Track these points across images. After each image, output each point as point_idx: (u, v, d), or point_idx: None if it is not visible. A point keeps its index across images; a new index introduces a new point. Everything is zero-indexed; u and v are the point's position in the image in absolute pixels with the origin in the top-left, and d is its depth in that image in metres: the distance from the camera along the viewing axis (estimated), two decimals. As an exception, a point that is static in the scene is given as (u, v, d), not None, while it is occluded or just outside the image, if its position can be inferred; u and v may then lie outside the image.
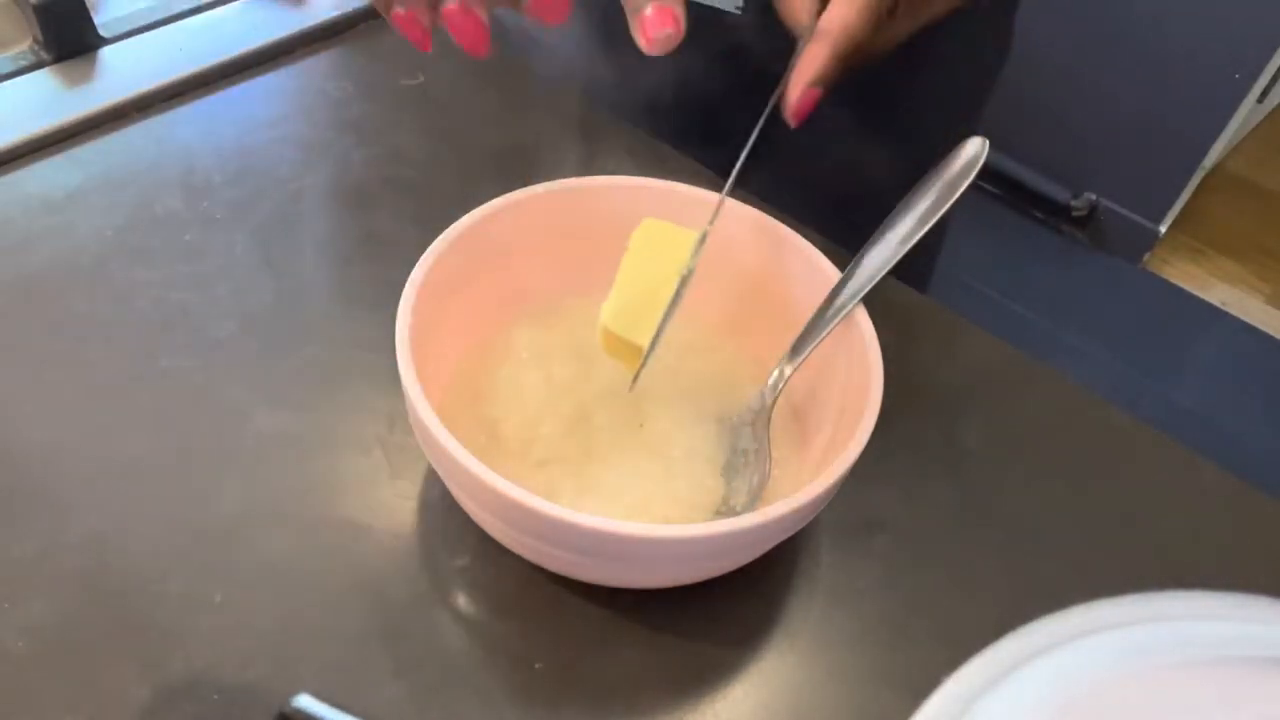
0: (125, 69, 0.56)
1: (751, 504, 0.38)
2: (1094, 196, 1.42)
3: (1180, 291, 1.41)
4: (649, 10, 0.33)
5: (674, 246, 0.37)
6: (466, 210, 0.39)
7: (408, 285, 0.36)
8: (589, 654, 0.36)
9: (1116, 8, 1.29)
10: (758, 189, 0.45)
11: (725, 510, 0.38)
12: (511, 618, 0.36)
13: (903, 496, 0.42)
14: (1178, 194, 1.38)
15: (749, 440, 0.39)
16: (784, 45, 0.38)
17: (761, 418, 0.39)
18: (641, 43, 0.34)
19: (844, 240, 0.46)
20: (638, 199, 0.42)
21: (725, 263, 0.43)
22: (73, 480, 0.39)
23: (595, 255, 0.43)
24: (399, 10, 0.36)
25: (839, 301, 0.38)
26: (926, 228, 0.38)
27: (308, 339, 0.45)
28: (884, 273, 0.38)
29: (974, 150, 0.38)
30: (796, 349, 0.39)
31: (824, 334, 0.38)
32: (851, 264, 0.38)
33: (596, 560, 0.33)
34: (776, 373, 0.39)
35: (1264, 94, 1.31)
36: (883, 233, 0.39)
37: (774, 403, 0.39)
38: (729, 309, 0.44)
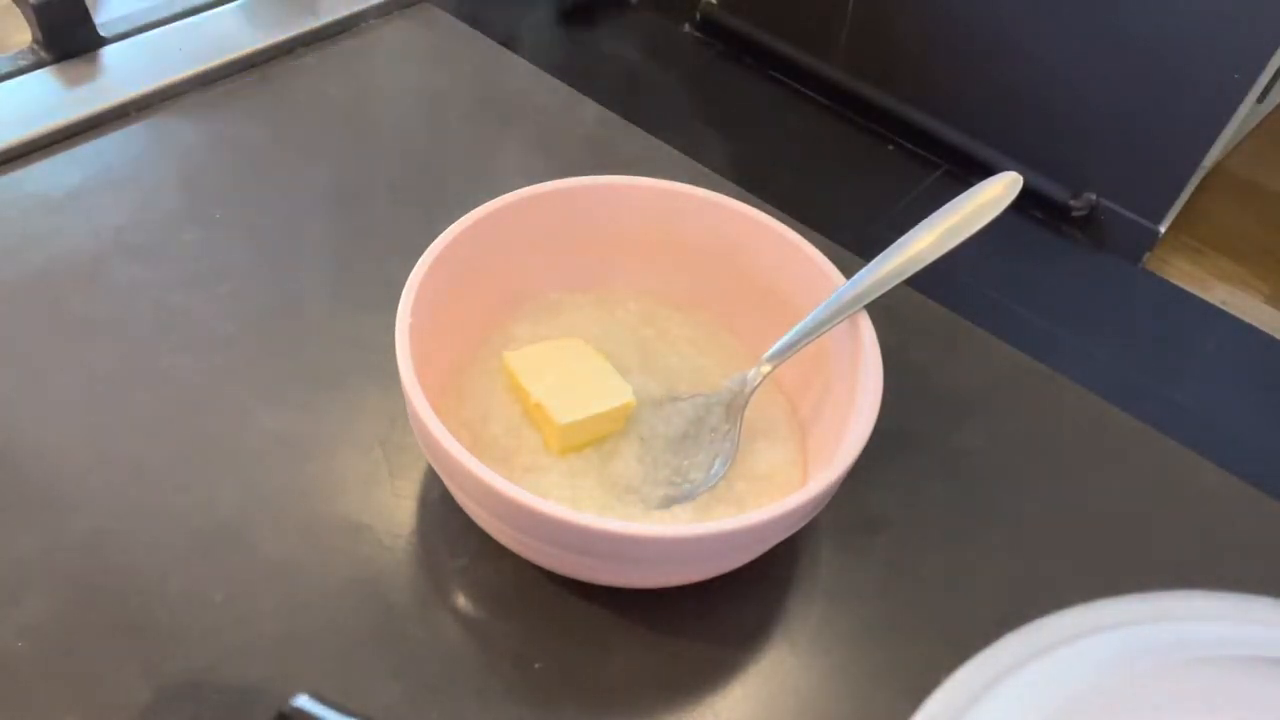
0: (125, 69, 0.56)
1: (708, 482, 0.38)
2: (1094, 196, 1.42)
3: (1180, 291, 1.41)
4: None
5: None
6: (466, 210, 0.39)
7: (407, 285, 0.36)
8: (589, 654, 0.36)
9: (1116, 7, 1.29)
10: (774, 192, 0.44)
11: (679, 481, 0.38)
12: (511, 618, 0.36)
13: (903, 496, 0.42)
14: (1178, 194, 1.38)
15: (720, 420, 0.39)
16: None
17: (737, 402, 0.39)
18: None
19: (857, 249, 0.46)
20: (638, 199, 0.42)
21: (729, 261, 0.43)
22: (73, 480, 0.39)
23: (594, 255, 0.43)
24: None
25: (838, 306, 0.38)
26: (941, 253, 0.37)
27: (308, 339, 0.45)
28: (890, 286, 0.37)
29: (1005, 185, 0.38)
30: (784, 348, 0.39)
31: (814, 337, 0.38)
32: (860, 272, 0.38)
33: (596, 560, 0.33)
34: (755, 370, 0.39)
35: (1264, 94, 1.30)
36: (899, 247, 0.38)
37: (751, 393, 0.39)
38: (731, 307, 0.44)
